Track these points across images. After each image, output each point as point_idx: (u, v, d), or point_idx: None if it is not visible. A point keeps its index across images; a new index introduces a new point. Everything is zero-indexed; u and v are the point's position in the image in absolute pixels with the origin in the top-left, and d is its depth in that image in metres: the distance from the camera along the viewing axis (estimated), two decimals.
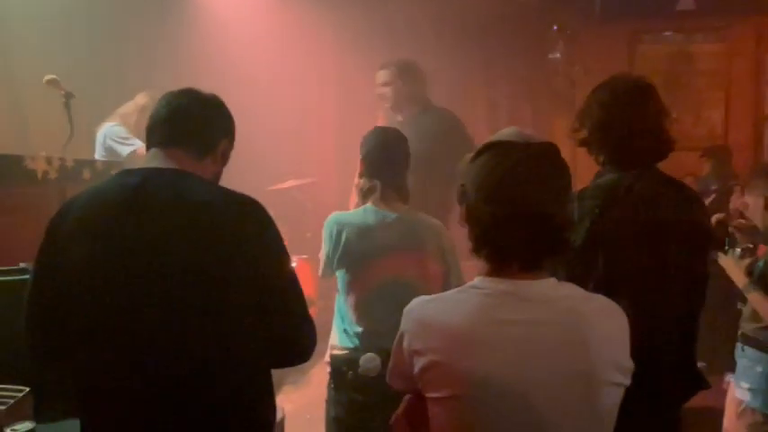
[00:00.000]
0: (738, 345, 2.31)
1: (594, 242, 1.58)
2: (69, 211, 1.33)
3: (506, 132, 1.20)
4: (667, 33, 5.91)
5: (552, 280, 1.17)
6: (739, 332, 2.31)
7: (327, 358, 2.20)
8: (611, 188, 1.65)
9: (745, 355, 2.28)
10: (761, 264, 2.21)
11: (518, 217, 1.13)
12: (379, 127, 2.35)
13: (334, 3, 5.17)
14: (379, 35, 5.53)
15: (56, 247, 1.31)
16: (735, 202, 3.26)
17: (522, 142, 1.17)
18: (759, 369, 2.22)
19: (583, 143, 1.72)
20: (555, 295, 1.16)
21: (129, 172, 1.36)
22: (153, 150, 1.41)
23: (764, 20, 5.64)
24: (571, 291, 1.19)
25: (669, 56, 5.91)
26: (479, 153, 1.19)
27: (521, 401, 1.10)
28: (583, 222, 1.58)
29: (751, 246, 2.35)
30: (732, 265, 2.11)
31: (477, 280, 1.19)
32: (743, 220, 2.47)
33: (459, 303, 1.16)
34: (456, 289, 1.21)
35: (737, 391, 2.30)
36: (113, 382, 1.27)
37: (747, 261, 2.20)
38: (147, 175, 1.34)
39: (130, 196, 1.29)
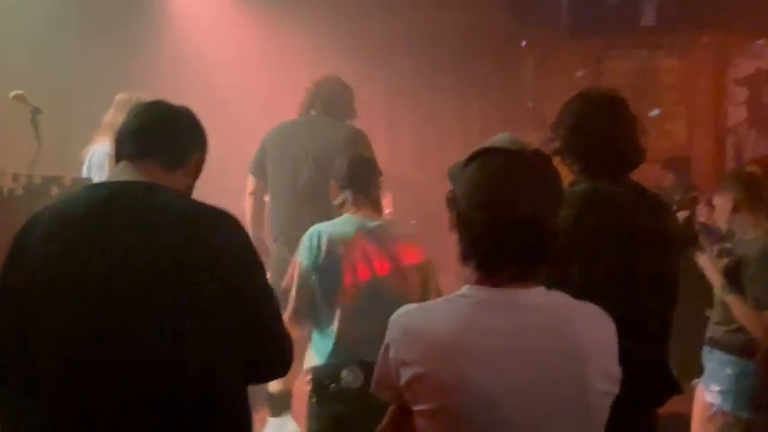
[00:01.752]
0: (706, 348, 2.36)
1: (569, 251, 1.60)
2: (35, 226, 1.29)
3: (499, 139, 1.19)
4: (633, 49, 6.08)
5: (541, 288, 1.16)
6: (707, 335, 2.36)
7: (307, 373, 2.18)
8: (586, 197, 1.68)
9: (713, 358, 2.33)
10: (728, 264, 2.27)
11: (511, 224, 1.11)
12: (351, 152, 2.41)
13: (308, 19, 5.20)
14: (353, 52, 5.57)
15: (22, 262, 1.27)
16: (700, 211, 3.35)
17: (516, 149, 1.16)
18: (729, 371, 2.26)
19: (556, 153, 1.76)
20: (544, 303, 1.15)
21: (97, 185, 1.35)
22: (122, 163, 1.38)
23: (723, 36, 5.85)
24: (560, 299, 1.17)
25: (634, 71, 6.08)
26: (471, 159, 1.17)
27: (511, 412, 1.09)
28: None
29: (729, 246, 2.42)
30: (709, 265, 2.16)
31: (465, 288, 1.16)
32: (705, 222, 2.55)
33: (447, 312, 1.14)
34: (443, 297, 1.19)
35: (707, 394, 2.34)
36: (83, 398, 1.23)
37: (725, 261, 2.25)
38: (116, 188, 1.32)
39: (99, 210, 1.27)
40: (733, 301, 2.22)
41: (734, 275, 2.24)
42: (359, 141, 3.01)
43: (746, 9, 5.39)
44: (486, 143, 1.19)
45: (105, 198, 1.29)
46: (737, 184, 2.33)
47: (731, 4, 5.40)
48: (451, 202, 1.18)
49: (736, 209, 2.31)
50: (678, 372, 2.15)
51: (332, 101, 3.14)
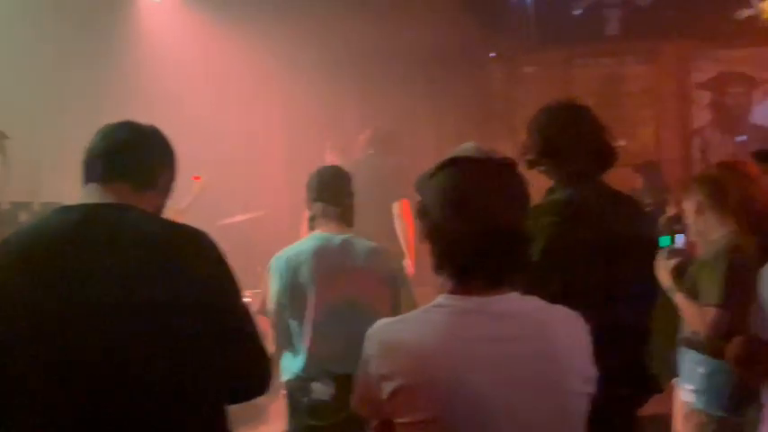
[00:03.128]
0: (680, 348, 2.41)
1: (551, 257, 1.64)
2: (5, 252, 1.28)
3: (466, 148, 1.21)
4: (599, 58, 6.22)
5: (515, 294, 1.17)
6: (679, 336, 2.40)
7: (281, 387, 2.20)
8: (564, 204, 1.73)
9: (686, 358, 2.38)
10: (691, 267, 2.32)
11: (483, 232, 1.12)
12: (323, 166, 2.43)
13: (277, 32, 5.22)
14: (325, 67, 5.60)
15: None
16: (670, 213, 3.42)
17: (483, 157, 1.17)
18: (701, 371, 2.30)
19: (531, 165, 1.81)
20: (520, 309, 1.16)
21: (67, 208, 1.32)
22: (91, 185, 1.37)
23: (686, 42, 6.01)
24: (535, 303, 1.19)
25: (602, 78, 6.21)
26: (439, 169, 1.18)
27: (494, 419, 1.10)
28: (538, 239, 1.64)
29: (680, 247, 2.47)
30: (659, 265, 2.20)
31: (440, 298, 1.17)
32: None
33: (424, 323, 1.14)
34: (420, 308, 1.20)
35: (682, 393, 2.38)
36: (57, 421, 1.22)
37: (674, 262, 2.29)
38: (87, 211, 1.31)
39: (70, 233, 1.26)
40: (679, 299, 2.27)
41: (682, 275, 2.30)
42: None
43: (706, 16, 5.56)
44: (453, 153, 1.21)
45: (77, 221, 1.28)
46: (700, 187, 2.39)
47: (691, 13, 5.56)
48: (421, 213, 1.19)
49: (699, 211, 2.36)
50: (659, 371, 2.21)
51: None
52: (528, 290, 1.21)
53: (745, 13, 5.56)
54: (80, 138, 1.46)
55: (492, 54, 6.23)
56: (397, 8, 5.64)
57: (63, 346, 1.21)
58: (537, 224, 1.65)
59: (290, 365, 2.19)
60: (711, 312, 2.20)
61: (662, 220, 3.12)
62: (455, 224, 1.13)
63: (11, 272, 1.25)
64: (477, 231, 1.12)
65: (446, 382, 1.09)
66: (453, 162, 1.18)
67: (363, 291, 2.15)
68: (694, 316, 2.28)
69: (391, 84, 5.62)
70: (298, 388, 2.13)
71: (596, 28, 5.92)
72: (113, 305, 1.21)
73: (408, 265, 3.67)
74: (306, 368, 2.13)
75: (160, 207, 1.46)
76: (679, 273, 2.33)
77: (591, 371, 1.19)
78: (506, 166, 1.19)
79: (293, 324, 2.18)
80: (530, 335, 1.14)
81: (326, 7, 5.27)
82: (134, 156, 1.40)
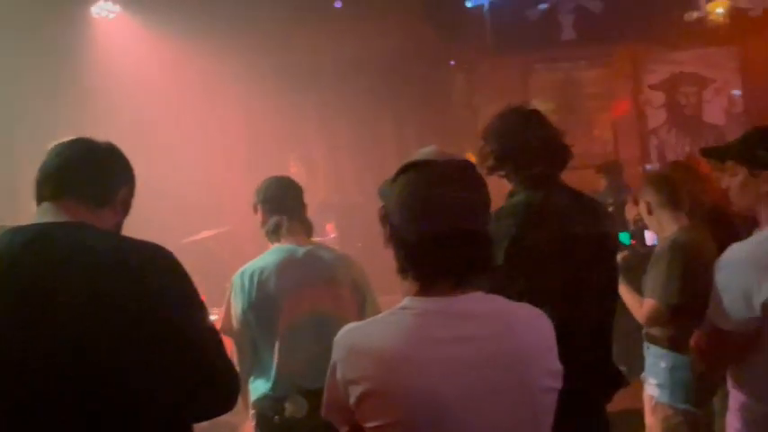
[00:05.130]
0: (644, 344, 2.46)
1: (514, 259, 1.66)
2: None
3: (426, 152, 1.21)
4: (556, 62, 6.35)
5: (479, 294, 1.17)
6: (643, 331, 2.46)
7: (251, 407, 2.14)
8: (525, 206, 1.76)
9: (650, 353, 2.43)
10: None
11: (444, 235, 1.12)
12: (273, 176, 2.34)
13: (236, 49, 5.19)
14: (285, 78, 5.59)
15: None
16: (629, 212, 3.51)
17: (442, 160, 1.18)
18: (663, 365, 2.36)
19: (491, 171, 1.84)
20: (483, 309, 1.17)
21: (16, 229, 1.27)
22: (44, 205, 1.32)
23: (639, 45, 6.18)
24: (498, 302, 1.20)
25: (559, 83, 6.34)
26: (400, 173, 1.19)
27: (461, 419, 1.10)
28: (502, 242, 1.66)
29: (633, 242, 2.57)
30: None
31: (405, 300, 1.17)
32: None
33: (389, 326, 1.15)
34: (386, 312, 1.19)
35: (647, 387, 2.43)
36: None
37: (620, 255, 2.38)
38: (38, 231, 1.26)
39: (19, 255, 1.21)
40: (623, 290, 2.35)
41: (631, 268, 2.40)
42: None
43: (657, 19, 5.73)
44: (413, 157, 1.21)
45: (26, 242, 1.23)
46: (650, 187, 2.47)
47: (643, 17, 5.73)
48: (384, 218, 1.20)
49: (650, 210, 2.44)
50: (630, 366, 2.26)
51: None
52: (493, 291, 1.21)
53: (694, 15, 5.75)
54: (33, 158, 1.42)
55: (451, 62, 6.31)
56: (356, 18, 5.67)
57: (15, 368, 1.18)
58: (499, 227, 1.67)
59: (258, 385, 2.13)
60: (648, 304, 2.32)
61: (633, 217, 3.21)
62: (413, 227, 1.14)
63: None
64: (436, 233, 1.12)
65: (408, 385, 1.09)
66: (413, 166, 1.18)
67: (330, 302, 2.11)
68: (633, 307, 2.40)
69: (352, 95, 5.65)
70: (268, 407, 2.06)
71: (552, 34, 6.05)
72: (66, 324, 1.18)
73: None
74: (275, 386, 2.07)
75: (119, 224, 1.43)
76: (627, 265, 2.42)
77: (557, 366, 1.19)
78: (466, 168, 1.19)
79: (260, 341, 2.12)
80: (494, 333, 1.14)
81: (283, 19, 5.27)
82: (89, 172, 1.36)
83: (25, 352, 1.19)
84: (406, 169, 1.19)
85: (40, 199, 1.35)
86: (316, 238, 2.37)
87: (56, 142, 1.41)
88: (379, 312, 1.24)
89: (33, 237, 1.26)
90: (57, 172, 1.35)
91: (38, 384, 1.18)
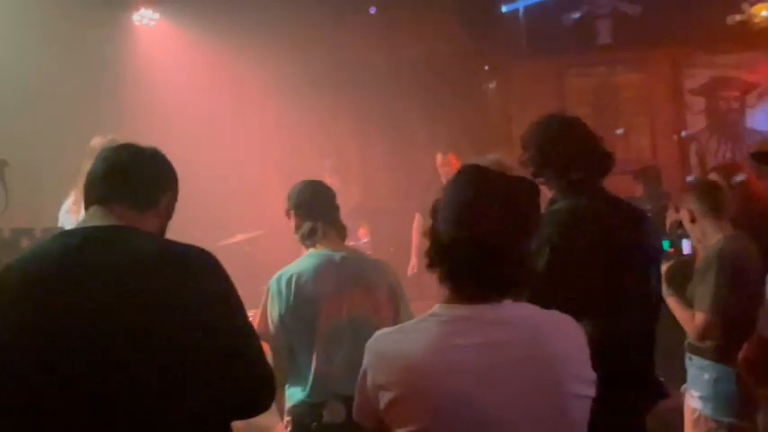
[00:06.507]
0: (687, 355, 2.40)
1: (556, 267, 1.65)
2: (6, 278, 1.28)
3: (486, 159, 1.24)
4: (592, 67, 6.26)
5: (507, 302, 1.17)
6: (686, 342, 2.40)
7: (287, 414, 2.14)
8: (566, 214, 1.75)
9: (693, 365, 2.37)
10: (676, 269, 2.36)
11: (470, 241, 1.13)
12: (305, 180, 2.31)
13: (272, 54, 5.25)
14: (319, 83, 5.64)
15: None
16: (670, 218, 3.43)
17: (496, 172, 1.19)
18: (706, 377, 2.30)
19: (532, 176, 1.82)
20: (512, 316, 1.17)
21: (67, 233, 1.33)
22: (92, 208, 1.37)
23: (678, 49, 6.06)
24: (528, 310, 1.20)
25: (595, 87, 6.25)
26: (458, 173, 1.22)
27: (490, 425, 1.10)
28: (543, 249, 1.65)
29: (671, 251, 2.50)
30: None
31: (436, 307, 1.18)
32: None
33: (418, 333, 1.16)
34: (416, 318, 1.21)
35: (690, 400, 2.37)
36: None
37: (666, 266, 2.32)
38: (88, 235, 1.30)
39: (71, 257, 1.26)
40: (672, 302, 2.30)
41: (675, 278, 2.34)
42: None
43: (697, 22, 5.61)
44: (474, 160, 1.24)
45: (77, 246, 1.27)
46: (693, 195, 2.41)
47: (682, 20, 5.62)
48: (433, 210, 1.21)
49: (692, 220, 2.38)
50: (667, 377, 2.21)
51: None
52: (534, 299, 1.21)
53: (736, 18, 5.61)
54: (79, 163, 1.45)
55: (486, 67, 6.28)
56: (391, 24, 5.70)
57: (63, 370, 1.21)
58: (540, 234, 1.65)
59: (294, 392, 2.11)
60: (700, 318, 2.25)
61: (669, 224, 3.14)
62: (446, 227, 1.15)
63: (12, 298, 1.25)
64: (464, 239, 1.13)
65: (437, 391, 1.10)
66: (467, 170, 1.21)
67: (368, 307, 2.10)
68: (684, 321, 2.33)
69: (389, 98, 5.66)
70: (305, 414, 2.05)
71: (588, 38, 5.97)
72: (111, 327, 1.21)
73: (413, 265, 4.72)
74: (312, 392, 2.06)
75: (162, 228, 1.47)
76: (672, 276, 2.36)
77: (589, 373, 1.18)
78: (518, 185, 1.19)
79: (297, 347, 2.11)
80: (522, 339, 1.14)
81: (319, 25, 5.31)
82: (135, 177, 1.41)
83: (74, 352, 1.21)
84: (461, 171, 1.21)
85: (89, 203, 1.40)
86: (349, 243, 2.37)
87: (103, 147, 1.44)
88: (412, 318, 1.25)
89: (82, 241, 1.29)
90: (103, 177, 1.40)
91: (77, 387, 1.20)
